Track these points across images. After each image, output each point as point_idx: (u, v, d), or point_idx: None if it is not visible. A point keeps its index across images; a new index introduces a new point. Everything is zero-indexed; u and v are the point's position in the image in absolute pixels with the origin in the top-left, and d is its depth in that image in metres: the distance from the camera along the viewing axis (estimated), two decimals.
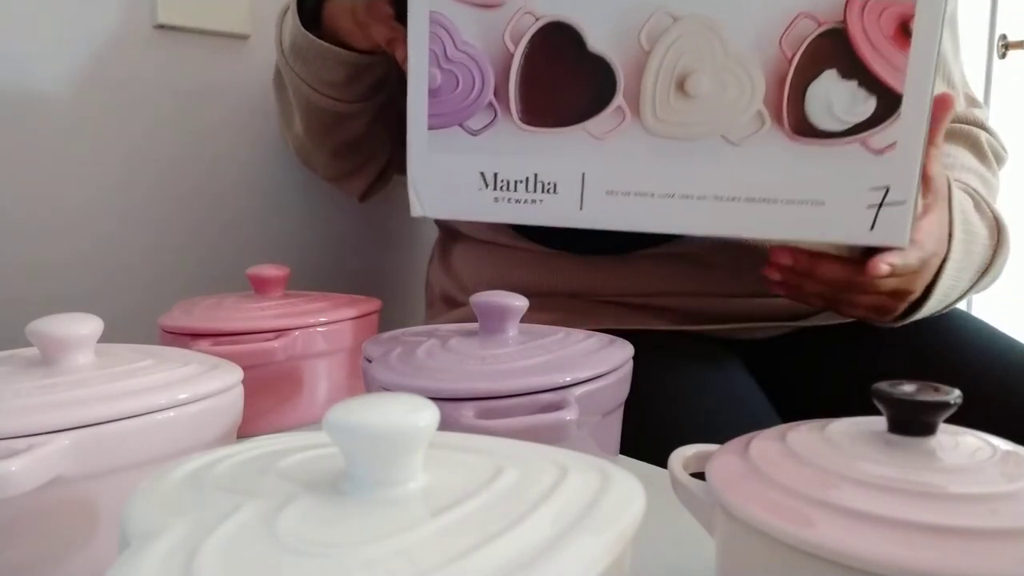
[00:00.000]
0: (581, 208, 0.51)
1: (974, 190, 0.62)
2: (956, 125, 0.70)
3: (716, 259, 0.66)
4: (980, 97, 0.76)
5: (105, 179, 0.73)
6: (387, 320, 0.64)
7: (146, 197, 0.76)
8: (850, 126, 0.47)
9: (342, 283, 0.90)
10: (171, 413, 0.35)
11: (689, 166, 0.49)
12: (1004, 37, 1.86)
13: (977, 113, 0.72)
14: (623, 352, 0.44)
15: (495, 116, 0.51)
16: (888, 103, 0.46)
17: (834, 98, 0.46)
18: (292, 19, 0.64)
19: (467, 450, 0.25)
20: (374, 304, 0.62)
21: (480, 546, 0.18)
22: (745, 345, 0.70)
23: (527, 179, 0.51)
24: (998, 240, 0.61)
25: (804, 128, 0.47)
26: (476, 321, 0.46)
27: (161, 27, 0.74)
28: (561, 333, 0.47)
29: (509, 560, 0.18)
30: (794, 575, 0.25)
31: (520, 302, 0.45)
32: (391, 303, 0.74)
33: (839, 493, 0.25)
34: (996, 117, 1.78)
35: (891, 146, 0.46)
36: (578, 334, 0.47)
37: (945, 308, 0.61)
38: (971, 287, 0.62)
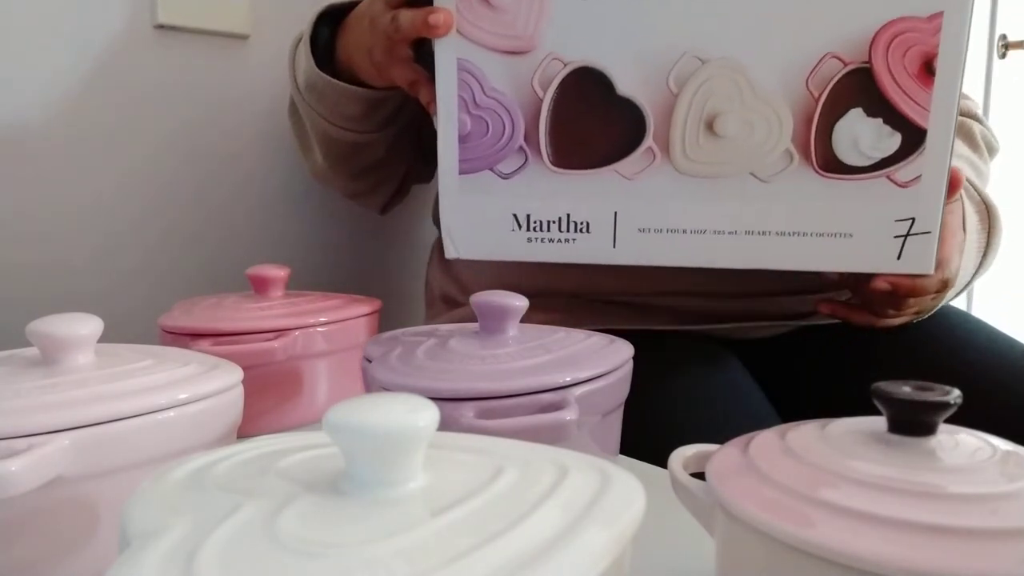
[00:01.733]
0: (614, 246, 0.52)
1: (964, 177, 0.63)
2: None
3: None
4: (980, 97, 0.77)
5: (104, 179, 0.73)
6: (387, 320, 0.64)
7: (145, 197, 0.76)
8: (876, 161, 0.48)
9: (342, 283, 0.90)
10: (171, 413, 0.35)
11: (719, 203, 0.50)
12: (1004, 37, 1.86)
13: (969, 104, 0.72)
14: (623, 352, 0.44)
15: (526, 160, 0.52)
16: (913, 138, 0.47)
17: (860, 135, 0.48)
18: (306, 57, 0.63)
19: (467, 450, 0.25)
20: (374, 304, 0.62)
21: (480, 546, 0.18)
22: (745, 345, 0.70)
23: (560, 219, 0.52)
24: (989, 223, 0.62)
25: (831, 164, 0.48)
26: (476, 321, 0.46)
27: (161, 27, 0.74)
28: (561, 333, 0.47)
29: (509, 560, 0.18)
30: (794, 575, 0.25)
31: (520, 302, 0.45)
32: (391, 303, 0.74)
33: (839, 493, 0.25)
34: (996, 117, 1.79)
35: (916, 179, 0.48)
36: (578, 334, 0.47)
37: (956, 295, 0.62)
38: (976, 270, 0.63)
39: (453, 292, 0.76)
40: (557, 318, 0.63)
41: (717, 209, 0.50)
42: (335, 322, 0.57)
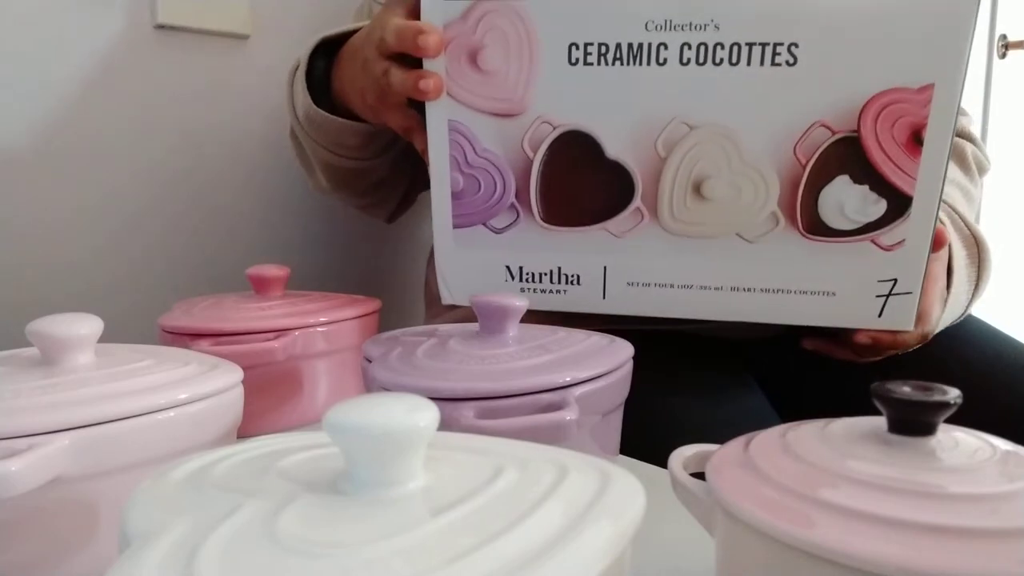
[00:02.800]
0: (604, 297, 0.53)
1: (951, 207, 0.63)
2: None
3: None
4: (980, 97, 0.76)
5: (104, 179, 0.73)
6: (387, 320, 0.64)
7: (145, 197, 0.76)
8: (861, 225, 0.49)
9: (342, 283, 0.90)
10: (171, 413, 0.35)
11: (706, 261, 0.51)
12: (1004, 37, 1.86)
13: (963, 121, 0.72)
14: (623, 352, 0.44)
15: (517, 216, 0.53)
16: (898, 205, 0.48)
17: (846, 201, 0.49)
18: (303, 91, 0.63)
19: (467, 450, 0.25)
20: (374, 304, 0.62)
21: (480, 546, 0.18)
22: (745, 345, 0.70)
23: (551, 272, 0.54)
24: (979, 257, 0.62)
25: (817, 228, 0.49)
26: (476, 321, 0.46)
27: (161, 27, 0.74)
28: (561, 333, 0.47)
29: (509, 560, 0.18)
30: (794, 575, 0.25)
31: (520, 302, 0.45)
32: (391, 303, 0.74)
33: (839, 493, 0.25)
34: (996, 117, 1.79)
35: (900, 243, 0.49)
36: (578, 334, 0.47)
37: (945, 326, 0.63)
38: (967, 306, 0.64)
39: None
40: (557, 318, 0.63)
41: (704, 267, 0.51)
42: (335, 322, 0.57)
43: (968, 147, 0.71)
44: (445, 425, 0.23)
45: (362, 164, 0.68)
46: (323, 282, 0.88)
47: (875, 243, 0.49)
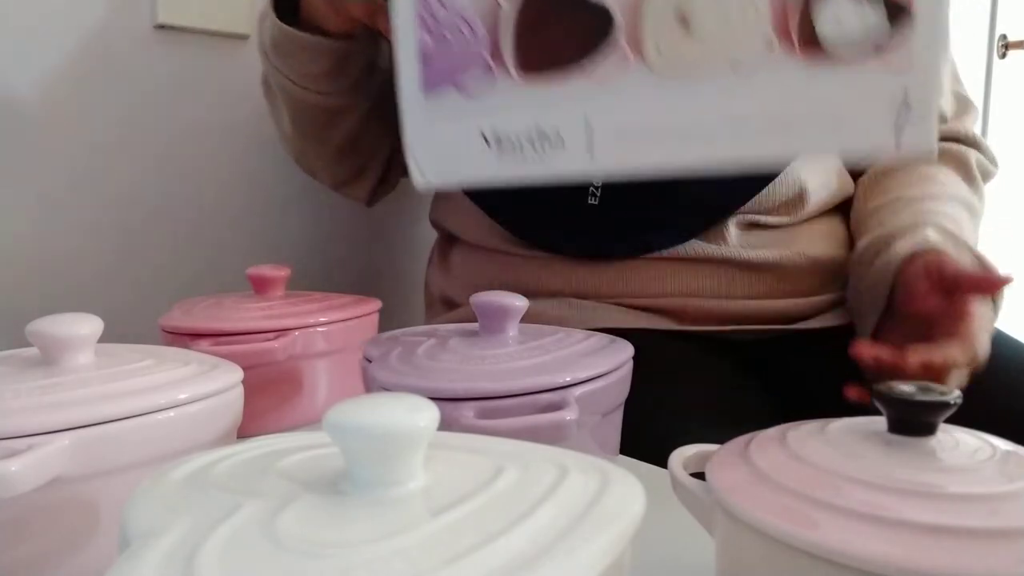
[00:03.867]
0: (592, 156, 0.49)
1: (955, 234, 0.62)
2: (946, 144, 0.70)
3: (715, 262, 0.66)
4: (980, 97, 0.76)
5: (104, 179, 0.73)
6: (387, 320, 0.64)
7: (145, 197, 0.76)
8: (862, 41, 0.45)
9: (342, 283, 0.90)
10: (171, 413, 0.35)
11: (700, 101, 0.47)
12: (1004, 37, 1.86)
13: (967, 125, 0.71)
14: (623, 352, 0.44)
15: (492, 75, 0.49)
16: (900, 19, 0.44)
17: (844, 16, 0.45)
18: (269, 16, 0.63)
19: (467, 450, 0.25)
20: (374, 304, 0.62)
21: (480, 546, 0.18)
22: (745, 345, 0.70)
23: (531, 134, 0.49)
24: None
25: (815, 48, 0.45)
26: (476, 321, 0.46)
27: (161, 27, 0.74)
28: (561, 333, 0.47)
29: (509, 560, 0.18)
30: (794, 575, 0.25)
31: (520, 302, 0.45)
32: (391, 303, 0.74)
33: (839, 493, 0.25)
34: (996, 117, 1.79)
35: (907, 61, 0.45)
36: (578, 334, 0.47)
37: None
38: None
39: (452, 294, 0.76)
40: (557, 318, 0.63)
41: (697, 107, 0.47)
42: (335, 322, 0.57)
43: (972, 155, 0.70)
44: (445, 425, 0.23)
45: (331, 101, 0.67)
46: (323, 282, 0.88)
47: (881, 63, 0.45)
